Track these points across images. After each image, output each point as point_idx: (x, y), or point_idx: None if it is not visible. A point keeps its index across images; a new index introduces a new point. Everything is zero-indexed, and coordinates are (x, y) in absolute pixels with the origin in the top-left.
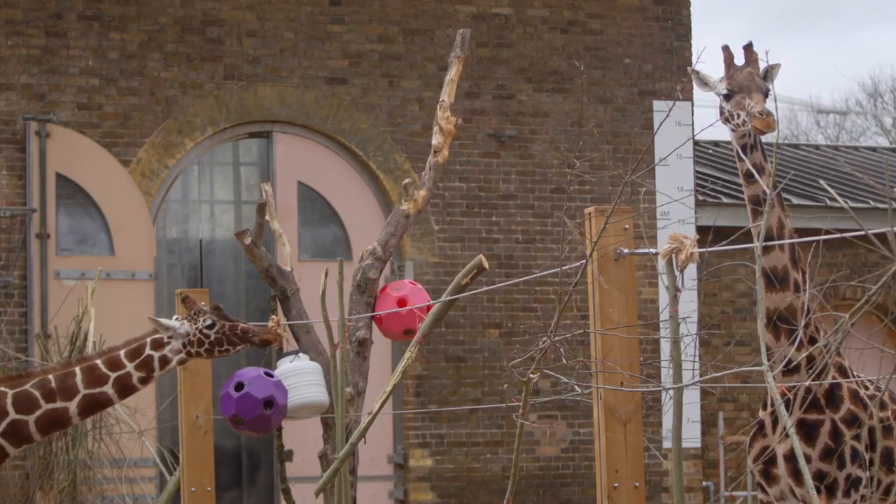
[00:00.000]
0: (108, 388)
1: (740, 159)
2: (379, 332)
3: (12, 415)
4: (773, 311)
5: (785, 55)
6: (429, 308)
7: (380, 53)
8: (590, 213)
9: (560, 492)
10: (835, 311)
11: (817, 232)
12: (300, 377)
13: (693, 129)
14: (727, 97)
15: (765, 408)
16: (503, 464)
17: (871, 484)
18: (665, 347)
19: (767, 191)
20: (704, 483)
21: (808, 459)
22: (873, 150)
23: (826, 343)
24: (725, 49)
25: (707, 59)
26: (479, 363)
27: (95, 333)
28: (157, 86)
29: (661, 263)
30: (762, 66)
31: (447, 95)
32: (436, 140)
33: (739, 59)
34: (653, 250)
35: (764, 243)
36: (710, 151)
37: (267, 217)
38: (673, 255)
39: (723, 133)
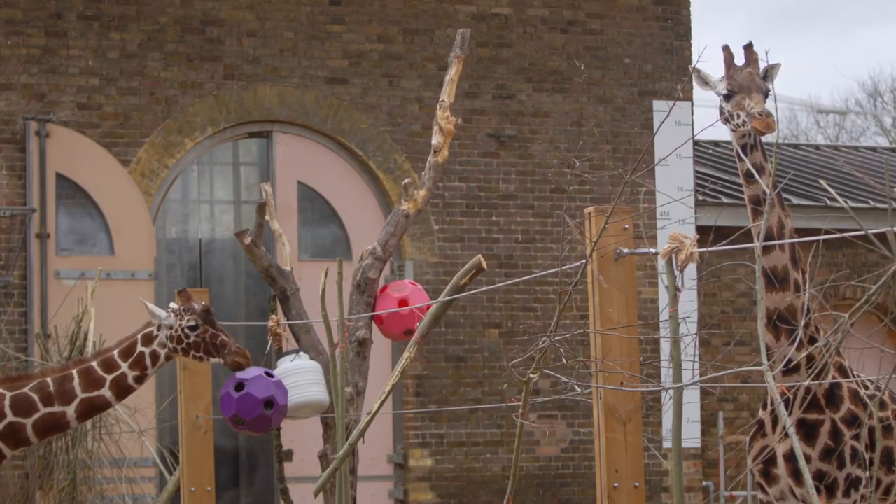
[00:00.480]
0: (106, 391)
1: (740, 159)
2: (379, 332)
3: (10, 417)
4: (774, 311)
5: (785, 55)
6: (428, 308)
7: (380, 53)
8: (590, 213)
9: (560, 492)
10: (835, 311)
11: (817, 232)
12: (301, 376)
13: (693, 129)
14: (727, 97)
15: (765, 407)
16: (503, 464)
17: (870, 484)
18: (665, 347)
19: (767, 191)
20: (704, 483)
21: (807, 459)
22: (873, 150)
23: (826, 343)
24: (725, 49)
25: (708, 59)
26: (478, 363)
27: (95, 333)
28: (157, 86)
29: (661, 263)
30: (762, 66)
31: (447, 95)
32: (436, 140)
33: (740, 60)
34: (653, 250)
35: (764, 243)
36: (710, 151)
37: (267, 217)
38: (673, 255)
39: (723, 133)
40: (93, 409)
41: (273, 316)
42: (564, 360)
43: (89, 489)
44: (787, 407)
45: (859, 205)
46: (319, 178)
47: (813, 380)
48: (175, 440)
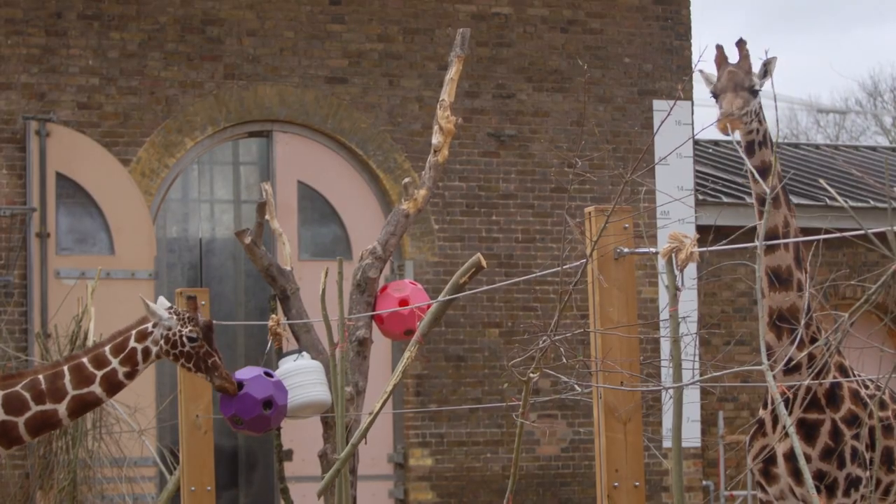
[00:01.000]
0: (96, 388)
1: (749, 157)
2: (379, 331)
3: (1, 415)
4: (776, 310)
5: (785, 54)
6: (428, 308)
7: (380, 53)
8: (590, 213)
9: (560, 491)
10: (835, 311)
11: (817, 231)
12: (304, 376)
13: (693, 128)
14: (716, 99)
15: (765, 407)
16: (503, 463)
17: (870, 483)
18: (665, 347)
19: (767, 190)
20: (704, 482)
21: (808, 459)
22: (873, 149)
23: (826, 342)
24: (718, 49)
25: (708, 59)
26: (479, 362)
27: (95, 333)
28: (157, 85)
29: (660, 263)
30: (760, 62)
31: (447, 95)
32: (436, 139)
33: (735, 59)
34: (653, 250)
35: (765, 242)
36: (710, 151)
37: (267, 216)
38: (673, 255)
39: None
40: (84, 405)
41: (273, 315)
42: (564, 360)
43: (89, 489)
44: (787, 406)
45: (859, 204)
46: (319, 178)
47: (813, 379)
48: (175, 440)
